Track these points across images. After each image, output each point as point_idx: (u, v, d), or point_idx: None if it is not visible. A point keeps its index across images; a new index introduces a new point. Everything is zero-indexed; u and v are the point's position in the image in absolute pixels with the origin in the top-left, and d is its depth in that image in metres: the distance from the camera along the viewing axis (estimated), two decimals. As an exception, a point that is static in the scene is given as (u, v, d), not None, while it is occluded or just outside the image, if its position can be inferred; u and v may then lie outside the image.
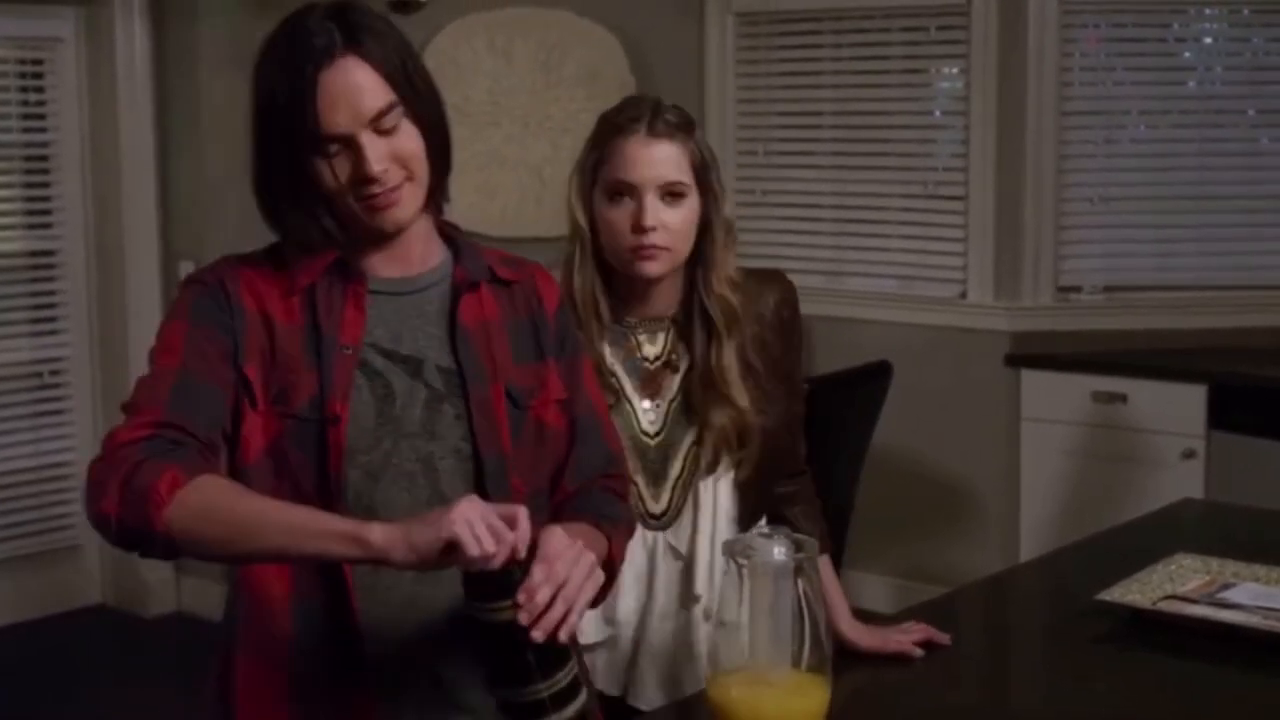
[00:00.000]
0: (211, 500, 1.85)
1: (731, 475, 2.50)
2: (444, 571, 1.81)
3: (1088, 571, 2.74)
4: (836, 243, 5.80)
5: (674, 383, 2.52)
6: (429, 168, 2.03)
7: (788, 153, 5.90)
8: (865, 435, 4.50)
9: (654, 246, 2.42)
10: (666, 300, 2.52)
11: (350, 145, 1.97)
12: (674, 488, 2.49)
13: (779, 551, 1.91)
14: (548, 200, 5.92)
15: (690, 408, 2.49)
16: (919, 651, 2.42)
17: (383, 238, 2.05)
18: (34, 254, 5.69)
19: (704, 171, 2.48)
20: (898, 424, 4.84)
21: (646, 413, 2.50)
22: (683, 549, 2.49)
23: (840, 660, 2.02)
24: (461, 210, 6.00)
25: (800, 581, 1.90)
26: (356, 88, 1.96)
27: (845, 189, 5.77)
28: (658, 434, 2.50)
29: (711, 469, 2.49)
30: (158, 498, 1.83)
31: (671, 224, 2.43)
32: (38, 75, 5.61)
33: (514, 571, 1.77)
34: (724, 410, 2.46)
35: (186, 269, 5.22)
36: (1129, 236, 5.48)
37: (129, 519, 1.85)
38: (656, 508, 2.49)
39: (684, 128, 2.48)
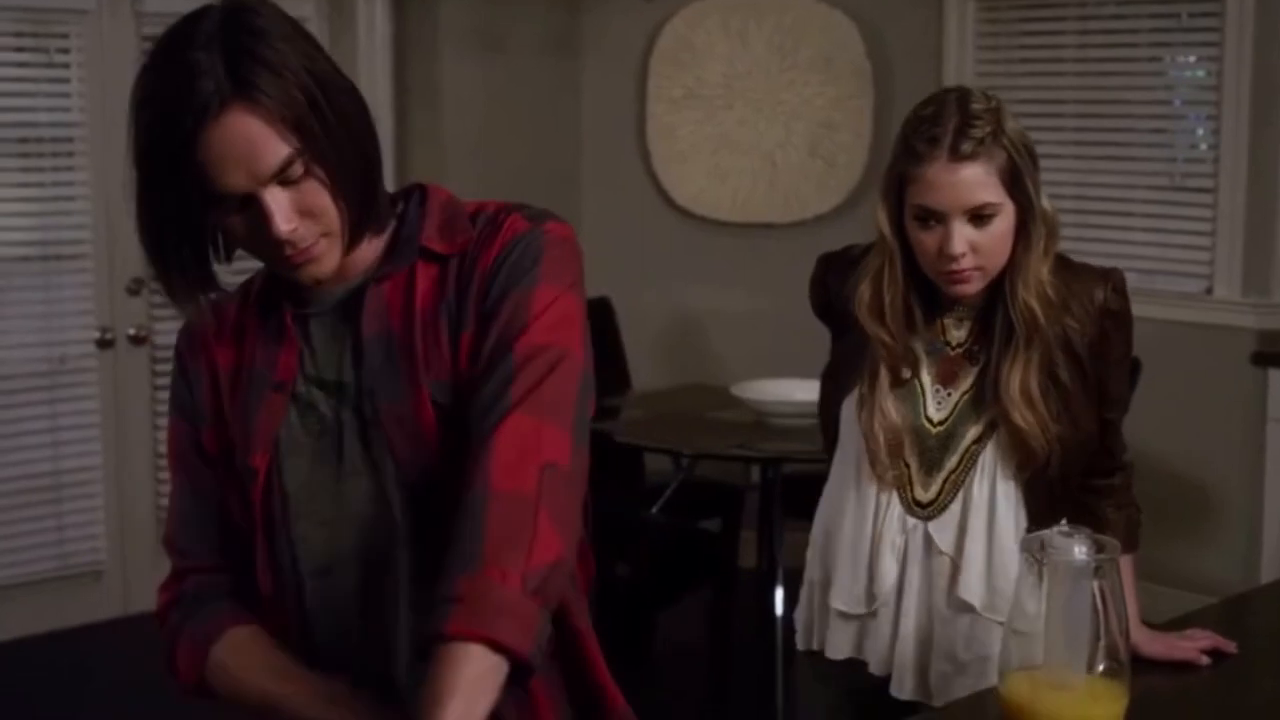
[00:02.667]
0: (230, 685, 1.85)
1: (1013, 479, 2.43)
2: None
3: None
4: (1077, 234, 5.64)
5: (971, 374, 2.44)
6: (348, 206, 1.72)
7: (1027, 141, 5.77)
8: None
9: (965, 270, 2.34)
10: (978, 293, 2.45)
11: (251, 202, 1.68)
12: (946, 479, 2.43)
13: (1079, 551, 1.85)
14: (779, 185, 5.88)
15: (981, 403, 2.42)
16: (1206, 660, 2.33)
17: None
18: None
19: (1016, 180, 2.37)
20: (1138, 422, 4.70)
21: (936, 396, 2.44)
22: (946, 546, 2.43)
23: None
24: (692, 194, 6.08)
25: (1099, 583, 1.84)
26: (249, 144, 1.64)
27: (1087, 179, 5.62)
28: (942, 422, 2.43)
29: (990, 472, 2.42)
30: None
31: (983, 244, 2.34)
32: (280, 54, 5.66)
33: None
34: (1010, 421, 2.38)
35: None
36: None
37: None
38: (925, 496, 2.43)
39: (992, 138, 2.35)
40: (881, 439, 2.41)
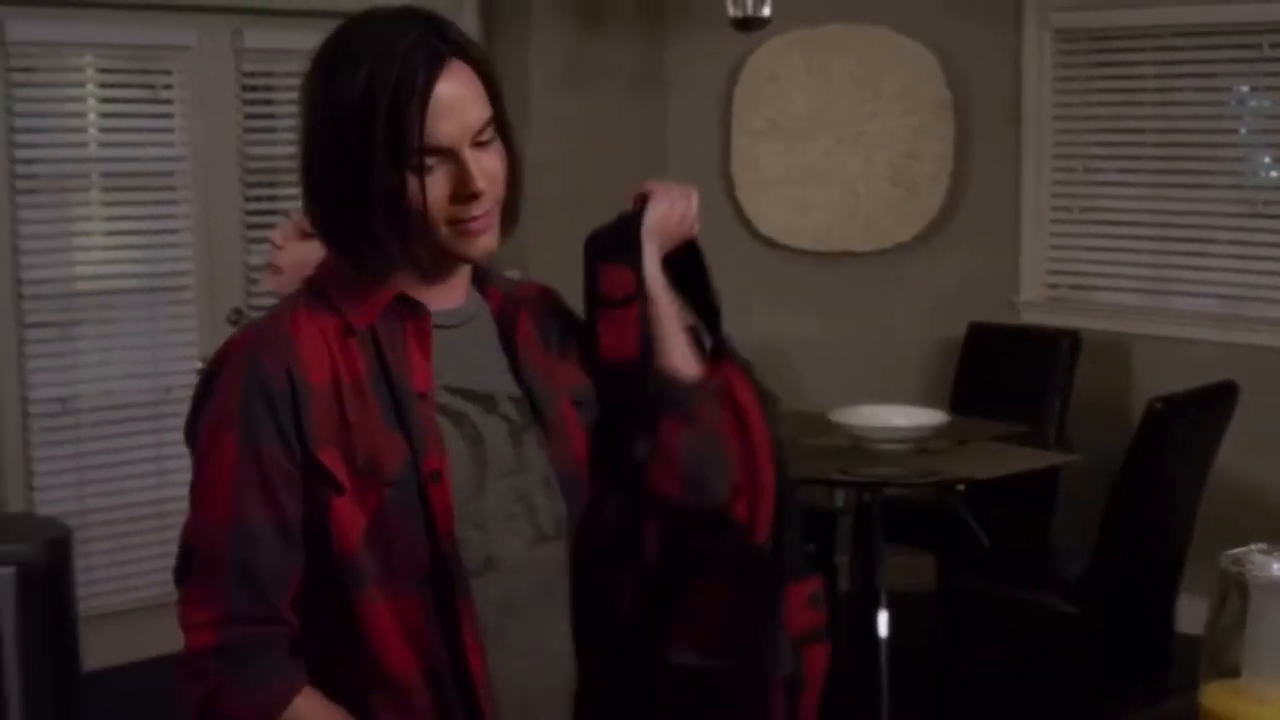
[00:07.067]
0: None
1: None
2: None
3: None
4: (1157, 260, 5.73)
5: None
6: (510, 190, 1.88)
7: (1106, 170, 5.85)
8: (1208, 457, 4.45)
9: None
10: None
11: (450, 160, 1.80)
12: None
13: (1277, 568, 1.92)
14: (861, 214, 5.98)
15: None
16: None
17: (448, 270, 1.90)
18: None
19: None
20: (1235, 446, 4.76)
21: None
22: None
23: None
24: (775, 224, 6.16)
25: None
26: (464, 98, 1.79)
27: (1167, 206, 5.69)
28: None
29: None
30: None
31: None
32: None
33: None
34: None
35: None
36: None
37: None
38: None
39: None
40: None
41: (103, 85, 5.33)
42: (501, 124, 1.84)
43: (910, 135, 5.92)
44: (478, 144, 1.81)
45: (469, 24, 5.83)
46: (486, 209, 1.83)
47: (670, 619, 1.95)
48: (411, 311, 1.88)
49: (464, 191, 1.80)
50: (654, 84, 5.96)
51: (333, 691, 1.83)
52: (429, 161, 1.78)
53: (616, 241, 2.02)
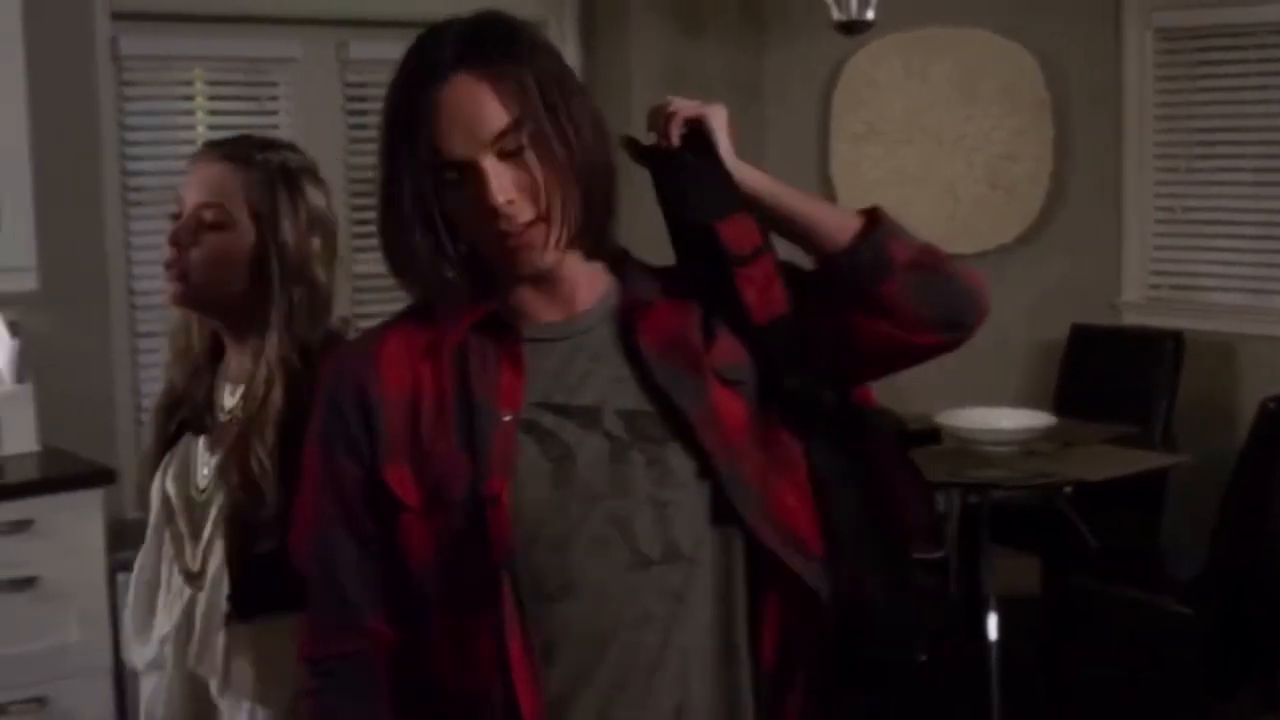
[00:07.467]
0: None
1: None
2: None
3: None
4: (1261, 259, 5.68)
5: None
6: (578, 205, 1.76)
7: (1208, 169, 5.82)
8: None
9: None
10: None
11: (472, 172, 1.73)
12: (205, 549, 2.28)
13: None
14: (959, 217, 5.96)
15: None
16: None
17: (537, 279, 1.81)
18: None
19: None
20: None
21: (205, 464, 2.30)
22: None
23: None
24: (876, 228, 6.11)
25: None
26: (473, 106, 1.72)
27: (1270, 205, 5.64)
28: (203, 490, 2.30)
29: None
30: None
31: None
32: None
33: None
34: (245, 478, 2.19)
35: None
36: None
37: None
38: (192, 566, 2.29)
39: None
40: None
41: (211, 98, 5.41)
42: (541, 132, 1.74)
43: (1009, 137, 5.91)
44: (504, 155, 1.73)
45: (569, 30, 5.88)
46: (523, 222, 1.74)
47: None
48: (503, 327, 1.82)
49: (484, 204, 1.73)
50: (753, 89, 5.97)
51: (418, 706, 1.85)
52: (450, 175, 1.74)
53: (709, 193, 1.86)
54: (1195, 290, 5.83)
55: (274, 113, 5.44)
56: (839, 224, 1.88)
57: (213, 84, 5.39)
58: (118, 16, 4.91)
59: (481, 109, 1.72)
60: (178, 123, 5.31)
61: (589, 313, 1.85)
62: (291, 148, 2.32)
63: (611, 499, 1.77)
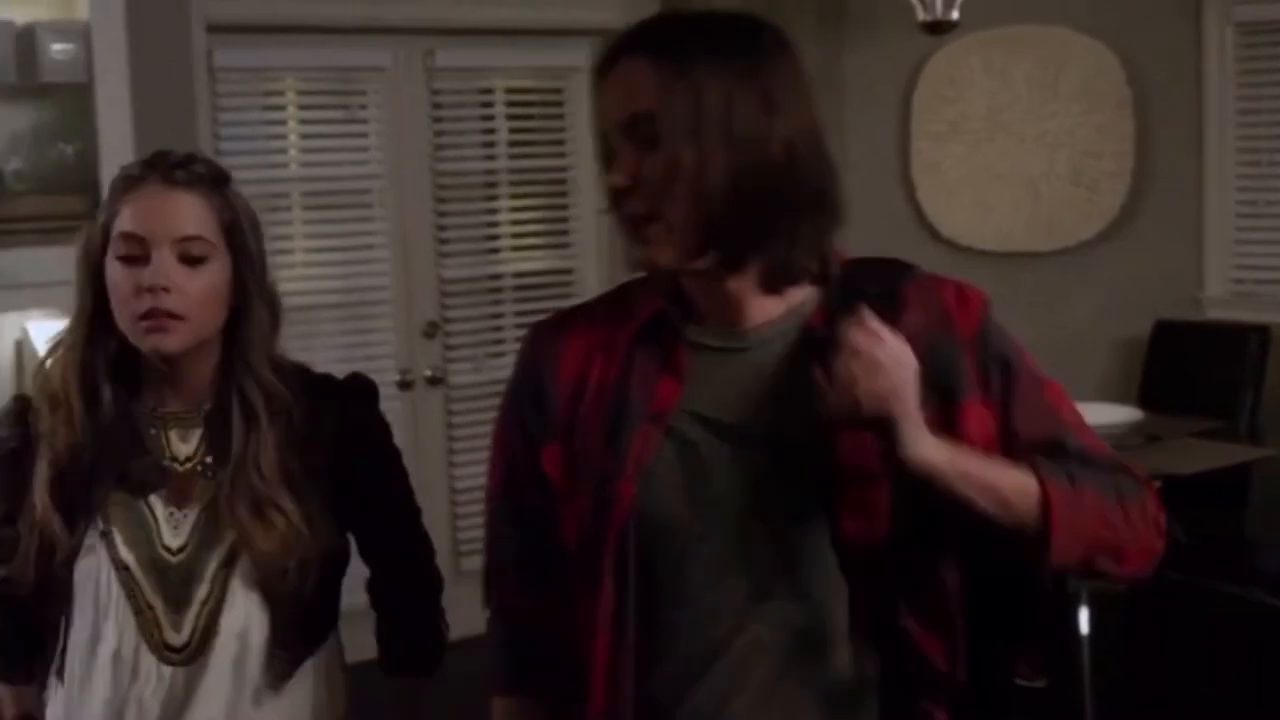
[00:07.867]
0: None
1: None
2: None
3: None
4: (1344, 256, 5.68)
5: (207, 488, 2.10)
6: (697, 205, 1.70)
7: (1292, 163, 5.82)
8: None
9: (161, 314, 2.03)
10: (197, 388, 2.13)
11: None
12: (198, 615, 2.09)
13: None
14: (1042, 214, 5.98)
15: (218, 519, 2.08)
16: None
17: (704, 285, 1.78)
18: (555, 272, 5.98)
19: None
20: None
21: (170, 521, 2.09)
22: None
23: None
24: (958, 227, 6.18)
25: None
26: (626, 86, 1.74)
27: (1354, 199, 5.66)
28: (181, 549, 2.08)
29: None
30: None
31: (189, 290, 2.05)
32: (558, 104, 5.89)
33: None
34: (264, 521, 2.06)
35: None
36: None
37: None
38: (177, 639, 2.08)
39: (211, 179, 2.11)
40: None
41: (302, 107, 5.53)
42: (671, 126, 1.68)
43: (1090, 134, 5.92)
44: (637, 139, 1.70)
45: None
46: (634, 210, 1.71)
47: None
48: (668, 329, 1.80)
49: (610, 183, 1.73)
50: (834, 88, 6.01)
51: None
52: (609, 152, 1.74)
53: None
54: (1279, 284, 5.84)
55: (363, 120, 5.55)
56: (1025, 508, 1.74)
57: (304, 93, 5.51)
58: (213, 29, 5.00)
59: (632, 88, 1.70)
60: (270, 132, 5.43)
61: (763, 328, 1.78)
62: (202, 156, 2.18)
63: (739, 521, 1.75)
